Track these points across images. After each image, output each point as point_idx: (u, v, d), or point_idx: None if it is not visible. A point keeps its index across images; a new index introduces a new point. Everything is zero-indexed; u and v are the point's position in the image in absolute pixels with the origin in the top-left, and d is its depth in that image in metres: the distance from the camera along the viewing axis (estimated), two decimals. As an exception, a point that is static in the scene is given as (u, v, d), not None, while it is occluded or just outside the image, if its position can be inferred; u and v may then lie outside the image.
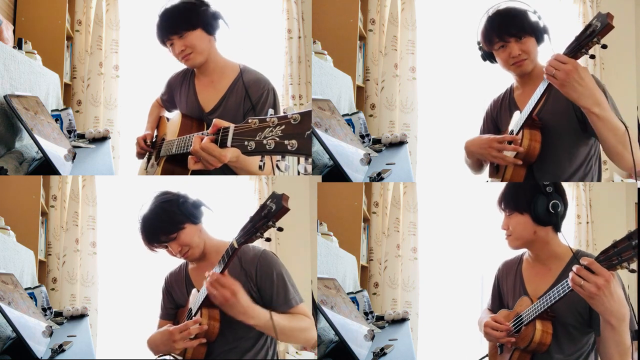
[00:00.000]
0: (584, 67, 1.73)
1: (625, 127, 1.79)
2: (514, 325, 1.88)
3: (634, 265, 1.53)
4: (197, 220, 1.94)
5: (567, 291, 1.66)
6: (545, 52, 1.98)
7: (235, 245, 1.71)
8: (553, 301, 1.73)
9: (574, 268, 1.60)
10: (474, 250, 2.95)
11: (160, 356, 1.96)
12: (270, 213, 1.59)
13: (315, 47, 2.64)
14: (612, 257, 1.54)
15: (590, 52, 1.71)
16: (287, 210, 1.58)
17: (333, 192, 2.87)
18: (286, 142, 1.43)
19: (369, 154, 2.47)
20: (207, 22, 2.03)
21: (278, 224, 1.61)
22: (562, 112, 1.89)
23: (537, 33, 1.96)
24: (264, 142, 1.45)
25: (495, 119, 2.15)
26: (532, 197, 1.84)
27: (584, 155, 1.96)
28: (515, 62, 1.97)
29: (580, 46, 1.71)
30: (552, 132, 1.93)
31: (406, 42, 2.99)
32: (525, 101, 1.97)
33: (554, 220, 1.84)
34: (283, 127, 1.44)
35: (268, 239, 1.67)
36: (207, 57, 2.07)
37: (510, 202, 1.89)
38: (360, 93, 2.99)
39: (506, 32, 1.95)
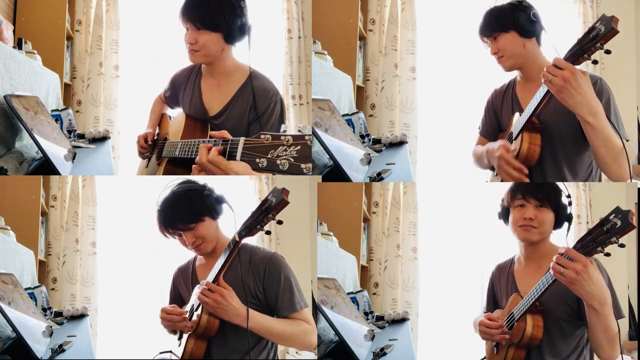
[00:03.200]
0: (584, 72, 1.69)
1: (623, 142, 1.78)
2: (507, 322, 1.92)
3: (608, 249, 1.61)
4: (217, 216, 1.92)
5: (550, 281, 1.73)
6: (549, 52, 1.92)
7: (237, 239, 1.73)
8: (540, 293, 1.79)
9: (554, 257, 1.66)
10: (474, 250, 2.95)
11: (160, 353, 1.97)
12: (271, 206, 1.61)
13: (315, 47, 2.64)
14: (588, 243, 1.61)
15: (593, 57, 1.65)
16: (287, 203, 1.59)
17: (333, 192, 2.87)
18: (302, 165, 1.40)
19: (369, 154, 2.47)
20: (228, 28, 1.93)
21: (278, 217, 1.63)
22: (565, 116, 1.83)
23: (519, 28, 1.92)
24: (277, 162, 1.42)
25: (497, 112, 2.12)
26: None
27: (586, 161, 1.94)
28: (497, 59, 1.97)
29: (582, 51, 1.66)
30: (553, 135, 1.91)
31: (406, 42, 2.99)
32: (526, 98, 1.96)
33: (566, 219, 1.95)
34: (299, 147, 1.41)
35: (268, 232, 1.70)
36: (217, 60, 2.00)
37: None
38: (360, 93, 2.99)
39: (482, 32, 1.98)
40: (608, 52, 1.64)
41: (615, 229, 1.56)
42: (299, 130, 2.89)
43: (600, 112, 1.71)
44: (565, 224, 1.94)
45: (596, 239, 1.60)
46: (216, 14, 1.89)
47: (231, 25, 1.91)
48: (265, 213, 1.63)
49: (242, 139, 1.51)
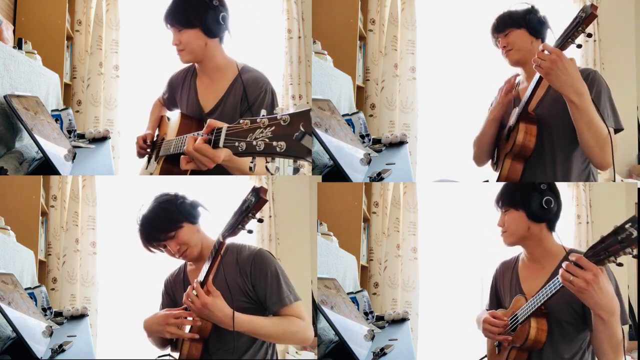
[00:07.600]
0: (570, 58, 1.80)
1: (609, 131, 1.85)
2: (510, 323, 1.90)
3: (620, 259, 1.53)
4: (195, 220, 1.95)
5: (558, 287, 1.69)
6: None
7: (221, 239, 1.75)
8: (545, 298, 1.75)
9: (564, 264, 1.62)
10: (474, 250, 2.95)
11: (161, 356, 1.98)
12: (250, 206, 1.65)
13: (315, 47, 2.64)
14: (600, 252, 1.55)
15: (577, 41, 1.79)
16: (265, 201, 1.65)
17: (333, 192, 2.87)
18: (274, 143, 1.42)
19: (369, 154, 2.47)
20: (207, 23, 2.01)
21: (258, 215, 1.67)
22: (562, 111, 1.88)
23: (527, 26, 2.07)
24: (254, 143, 1.45)
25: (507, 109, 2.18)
26: (527, 194, 1.90)
27: (582, 158, 1.97)
28: (504, 53, 2.11)
29: (567, 37, 1.79)
30: (550, 130, 1.97)
31: (406, 42, 2.99)
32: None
33: (546, 217, 1.88)
34: (273, 128, 1.43)
35: (250, 231, 1.72)
36: (205, 56, 2.05)
37: (507, 199, 1.94)
38: (360, 93, 2.99)
39: (495, 29, 2.14)
40: (590, 35, 1.80)
41: (630, 240, 1.47)
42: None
43: (585, 94, 1.80)
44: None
45: (609, 248, 1.51)
46: (190, 11, 1.99)
47: (206, 18, 1.98)
48: (246, 213, 1.66)
49: (225, 126, 1.54)
